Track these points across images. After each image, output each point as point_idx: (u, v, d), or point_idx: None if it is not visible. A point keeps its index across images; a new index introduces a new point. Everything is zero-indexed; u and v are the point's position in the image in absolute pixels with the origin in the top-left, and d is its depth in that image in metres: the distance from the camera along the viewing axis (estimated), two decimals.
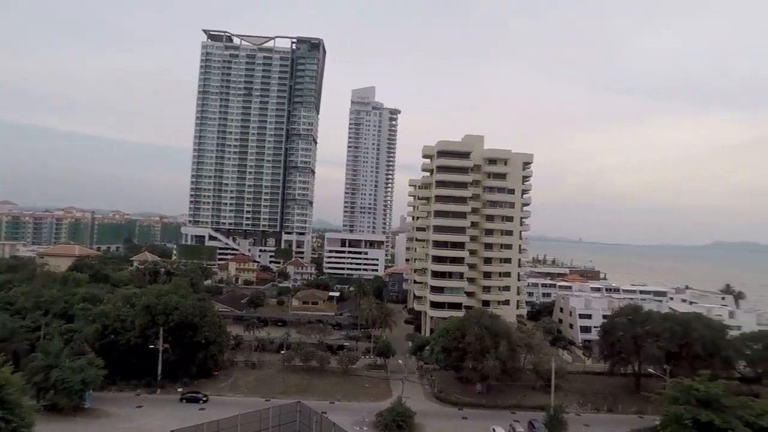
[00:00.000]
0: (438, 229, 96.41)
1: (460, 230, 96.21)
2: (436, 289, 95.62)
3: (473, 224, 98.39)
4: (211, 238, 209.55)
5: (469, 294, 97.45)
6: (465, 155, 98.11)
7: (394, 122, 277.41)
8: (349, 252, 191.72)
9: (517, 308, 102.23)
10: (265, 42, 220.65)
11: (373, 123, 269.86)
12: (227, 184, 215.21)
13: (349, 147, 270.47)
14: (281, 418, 49.25)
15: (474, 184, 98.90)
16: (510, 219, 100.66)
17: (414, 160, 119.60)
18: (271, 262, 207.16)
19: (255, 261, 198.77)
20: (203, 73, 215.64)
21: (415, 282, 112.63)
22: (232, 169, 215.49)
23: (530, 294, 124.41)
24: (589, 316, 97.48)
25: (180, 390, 62.52)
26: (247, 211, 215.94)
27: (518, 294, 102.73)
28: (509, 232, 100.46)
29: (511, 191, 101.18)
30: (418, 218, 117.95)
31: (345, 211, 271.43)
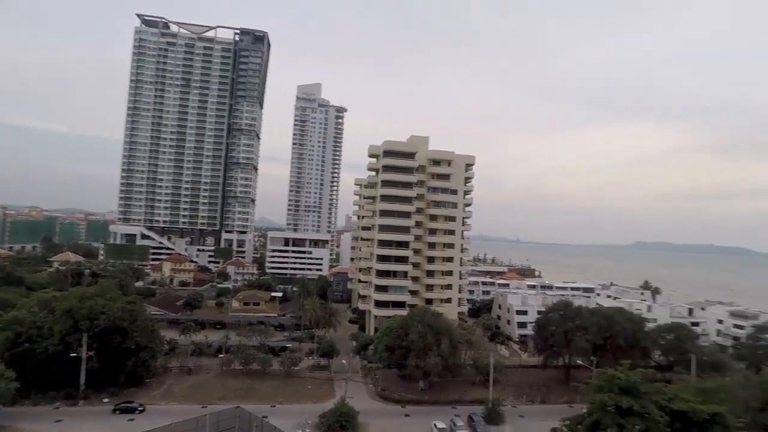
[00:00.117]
0: (383, 228, 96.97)
1: (405, 230, 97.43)
2: (380, 288, 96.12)
3: (417, 224, 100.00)
4: (144, 236, 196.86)
5: (413, 292, 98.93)
6: (410, 155, 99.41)
7: (340, 120, 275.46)
8: (293, 251, 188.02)
9: (459, 306, 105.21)
10: (206, 31, 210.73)
11: (319, 120, 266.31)
12: (162, 180, 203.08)
13: (294, 144, 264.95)
14: (219, 425, 47.24)
15: (419, 184, 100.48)
16: (453, 219, 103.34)
17: (360, 159, 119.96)
18: (209, 262, 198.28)
19: (192, 261, 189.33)
20: (136, 61, 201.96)
21: (359, 281, 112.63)
22: (167, 163, 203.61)
23: (471, 292, 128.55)
24: (525, 313, 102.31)
25: (106, 401, 58.03)
26: (184, 209, 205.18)
27: (460, 292, 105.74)
28: (452, 232, 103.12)
29: (454, 192, 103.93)
30: (363, 217, 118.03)
31: (289, 210, 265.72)
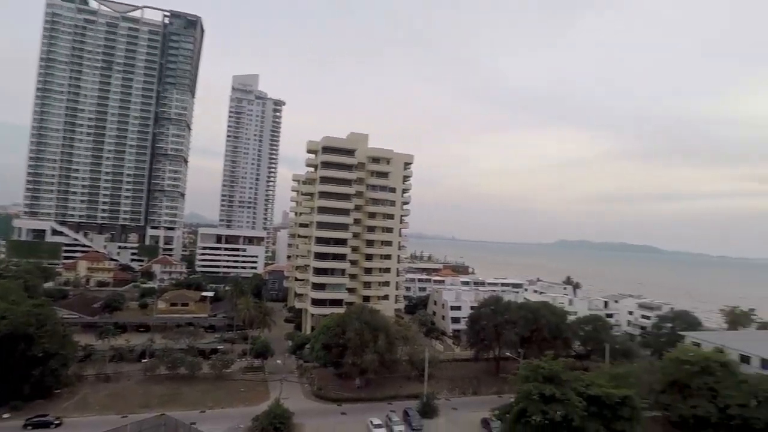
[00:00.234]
0: (321, 225, 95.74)
1: (343, 227, 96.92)
2: (317, 286, 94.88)
3: (356, 221, 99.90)
4: (55, 232, 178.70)
5: (351, 290, 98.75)
6: (350, 152, 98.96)
7: (278, 114, 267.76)
8: (226, 249, 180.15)
9: (396, 303, 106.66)
10: (131, 11, 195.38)
11: (255, 113, 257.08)
12: (78, 171, 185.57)
13: (228, 137, 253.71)
14: None
15: (358, 182, 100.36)
16: (391, 217, 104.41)
17: (299, 154, 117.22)
18: (132, 260, 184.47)
19: (112, 259, 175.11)
20: (48, 38, 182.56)
21: (296, 279, 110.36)
22: (84, 152, 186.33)
23: (408, 289, 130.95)
24: (459, 308, 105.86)
25: (7, 416, 52.00)
26: (104, 203, 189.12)
27: (397, 289, 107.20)
28: (390, 230, 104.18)
29: (393, 190, 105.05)
30: (301, 214, 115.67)
31: (222, 205, 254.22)
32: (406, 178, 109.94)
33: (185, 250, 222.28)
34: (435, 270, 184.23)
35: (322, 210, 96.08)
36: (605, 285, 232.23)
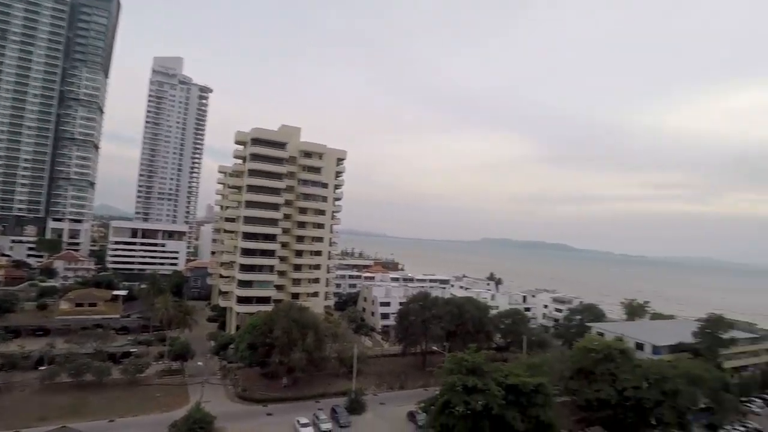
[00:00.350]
0: (249, 220, 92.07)
1: (273, 222, 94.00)
2: (244, 284, 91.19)
3: (286, 216, 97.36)
4: None
5: (279, 287, 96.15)
6: (281, 145, 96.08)
7: (204, 101, 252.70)
8: (142, 244, 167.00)
9: (326, 299, 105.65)
10: None
11: (179, 99, 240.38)
12: None
13: (147, 123, 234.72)
14: None
15: (289, 176, 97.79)
16: (322, 212, 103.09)
17: (227, 145, 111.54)
18: (30, 255, 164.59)
19: (4, 254, 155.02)
20: None
21: (221, 276, 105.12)
22: None
23: (338, 285, 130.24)
24: (388, 304, 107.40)
25: None
26: None
27: (327, 286, 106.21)
28: (321, 226, 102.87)
29: (325, 185, 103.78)
30: (227, 208, 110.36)
31: (139, 197, 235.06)
32: (338, 173, 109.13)
33: (95, 245, 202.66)
34: (366, 266, 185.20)
35: (251, 204, 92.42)
36: (524, 281, 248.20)
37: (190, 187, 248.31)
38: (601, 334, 76.48)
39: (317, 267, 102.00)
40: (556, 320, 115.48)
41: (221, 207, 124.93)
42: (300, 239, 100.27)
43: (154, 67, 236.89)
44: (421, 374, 76.76)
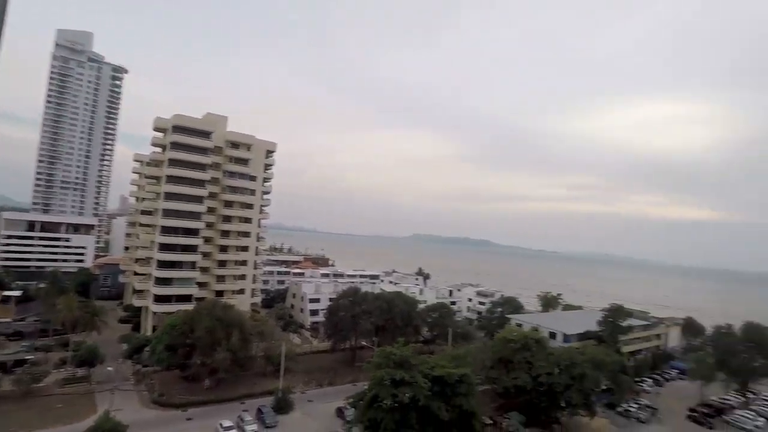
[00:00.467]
0: (169, 213, 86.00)
1: (195, 216, 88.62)
2: (162, 281, 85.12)
3: (210, 210, 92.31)
4: None
5: (202, 285, 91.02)
6: (206, 134, 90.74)
7: (118, 82, 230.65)
8: (41, 238, 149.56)
9: (252, 297, 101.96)
10: None
11: (88, 78, 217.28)
12: None
13: (48, 103, 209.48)
14: None
15: (214, 167, 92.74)
16: (250, 206, 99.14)
17: (144, 132, 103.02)
18: None
19: None
20: None
21: (136, 274, 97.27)
22: None
23: (266, 282, 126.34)
24: (317, 300, 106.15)
25: None
26: None
27: (254, 282, 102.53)
28: (248, 220, 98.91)
29: (253, 178, 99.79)
30: (144, 200, 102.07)
31: (37, 186, 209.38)
32: (267, 166, 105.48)
33: None
34: (295, 262, 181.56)
35: (171, 196, 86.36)
36: (451, 275, 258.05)
37: (100, 176, 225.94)
38: (520, 325, 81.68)
39: (243, 263, 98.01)
40: (479, 313, 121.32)
41: (137, 199, 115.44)
42: (225, 234, 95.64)
43: (57, 41, 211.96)
44: (350, 370, 76.88)
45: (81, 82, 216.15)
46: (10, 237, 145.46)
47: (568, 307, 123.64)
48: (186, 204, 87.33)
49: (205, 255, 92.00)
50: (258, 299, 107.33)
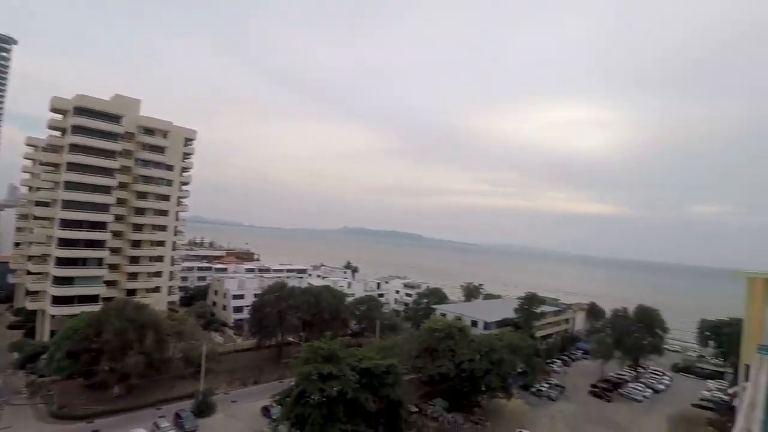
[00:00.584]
0: (70, 204, 77.29)
1: (102, 207, 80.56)
2: (62, 281, 76.45)
3: (120, 201, 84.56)
4: None
5: (110, 283, 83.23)
6: (115, 118, 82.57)
7: (5, 54, 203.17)
8: None
9: (170, 295, 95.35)
10: None
11: None
12: None
13: None
14: None
15: (124, 155, 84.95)
16: (167, 198, 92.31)
17: (40, 113, 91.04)
18: None
19: None
20: None
21: (29, 273, 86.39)
22: None
23: (185, 278, 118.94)
24: (242, 297, 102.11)
25: None
26: None
27: (171, 279, 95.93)
28: (164, 212, 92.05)
29: (170, 167, 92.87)
30: (39, 189, 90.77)
31: None
32: (186, 155, 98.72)
33: None
34: (217, 257, 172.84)
35: (73, 186, 77.66)
36: (379, 268, 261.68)
37: None
38: (444, 315, 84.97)
39: (159, 259, 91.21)
40: (406, 304, 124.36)
41: (30, 188, 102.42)
42: (138, 227, 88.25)
43: None
44: (276, 367, 75.06)
45: None
46: None
47: (488, 297, 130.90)
48: (91, 195, 79.10)
49: (115, 251, 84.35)
50: (176, 297, 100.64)
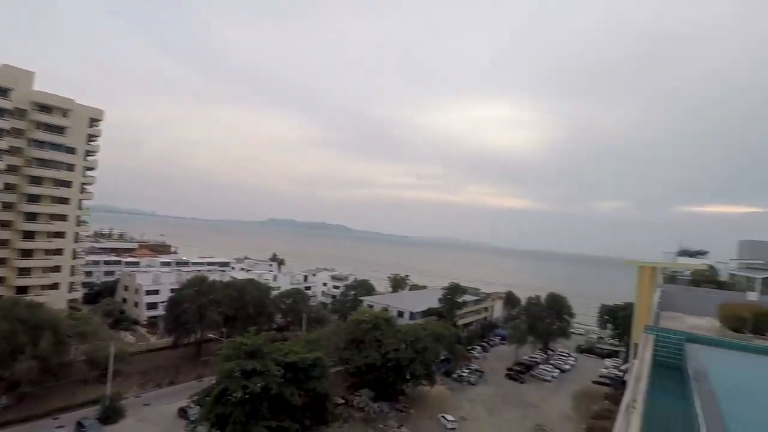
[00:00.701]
0: None
1: None
2: None
3: (8, 187, 74.43)
4: None
5: None
6: (2, 91, 72.32)
7: None
8: None
9: (71, 292, 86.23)
10: None
11: None
12: None
13: None
14: None
15: (14, 134, 74.75)
16: (67, 184, 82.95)
17: None
18: None
19: None
20: None
21: None
22: None
23: (89, 273, 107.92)
24: (156, 292, 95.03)
25: None
26: None
27: (73, 274, 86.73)
28: (65, 200, 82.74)
29: (71, 150, 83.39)
30: None
31: None
32: (92, 137, 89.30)
33: None
34: (128, 250, 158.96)
35: None
36: (307, 260, 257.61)
37: None
38: (371, 306, 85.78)
39: (58, 252, 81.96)
40: (334, 297, 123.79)
41: None
42: (31, 217, 78.42)
43: None
44: (195, 365, 71.11)
45: None
46: None
47: (414, 287, 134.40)
48: None
49: (2, 243, 74.33)
50: (78, 294, 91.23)
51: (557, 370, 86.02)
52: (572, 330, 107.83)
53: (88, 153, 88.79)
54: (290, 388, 44.75)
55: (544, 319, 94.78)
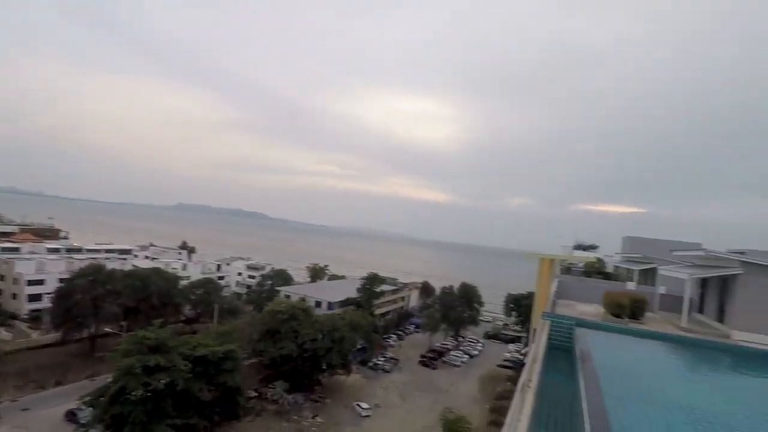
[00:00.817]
0: None
1: None
2: None
3: None
4: None
5: None
6: None
7: None
8: None
9: None
10: None
11: None
12: None
13: None
14: None
15: None
16: None
17: None
18: None
19: None
20: None
21: None
22: None
23: None
24: (41, 282, 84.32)
25: None
26: None
27: None
28: None
29: None
30: None
31: None
32: None
33: None
34: (6, 234, 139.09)
35: None
36: (220, 249, 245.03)
37: None
38: (288, 297, 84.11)
39: None
40: (249, 287, 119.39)
41: None
42: None
43: None
44: (88, 363, 64.55)
45: None
46: None
47: (333, 277, 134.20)
48: None
49: None
50: None
51: (466, 356, 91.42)
52: (481, 318, 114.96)
53: None
54: (199, 383, 42.62)
55: (456, 308, 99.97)
